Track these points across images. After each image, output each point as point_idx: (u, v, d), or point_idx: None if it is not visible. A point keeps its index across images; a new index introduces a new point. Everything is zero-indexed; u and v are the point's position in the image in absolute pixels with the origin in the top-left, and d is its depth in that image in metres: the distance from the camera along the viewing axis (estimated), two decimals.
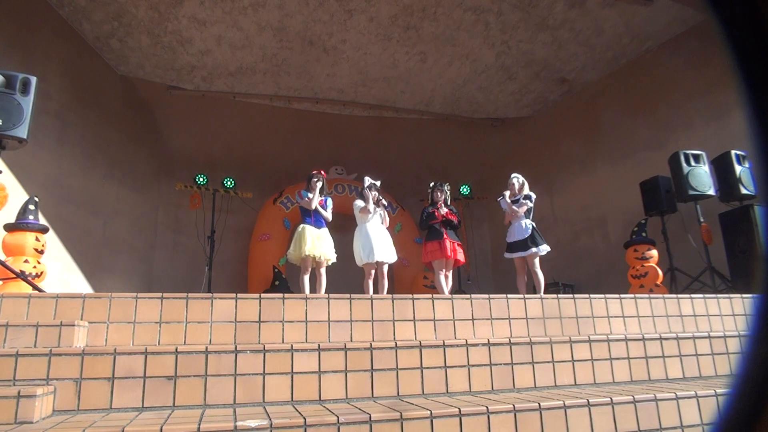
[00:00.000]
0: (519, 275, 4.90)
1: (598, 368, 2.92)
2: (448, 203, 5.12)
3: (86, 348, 2.39)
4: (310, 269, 4.71)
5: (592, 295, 3.49)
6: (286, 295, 3.02)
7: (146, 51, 7.33)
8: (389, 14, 6.79)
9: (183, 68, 7.83)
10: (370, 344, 2.62)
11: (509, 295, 3.35)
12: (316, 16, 6.80)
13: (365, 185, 4.99)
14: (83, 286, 6.21)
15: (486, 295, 3.31)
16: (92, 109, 6.86)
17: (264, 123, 8.89)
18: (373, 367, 2.56)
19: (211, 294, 2.97)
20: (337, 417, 2.00)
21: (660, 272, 5.38)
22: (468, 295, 3.32)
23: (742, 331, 3.49)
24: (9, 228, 4.09)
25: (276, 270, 7.45)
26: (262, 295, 2.97)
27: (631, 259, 5.59)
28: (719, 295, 3.94)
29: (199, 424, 1.85)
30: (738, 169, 5.36)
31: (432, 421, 2.07)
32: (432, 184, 5.19)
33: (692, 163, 5.57)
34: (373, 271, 4.82)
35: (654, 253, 5.50)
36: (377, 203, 4.93)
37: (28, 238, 4.07)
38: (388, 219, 5.01)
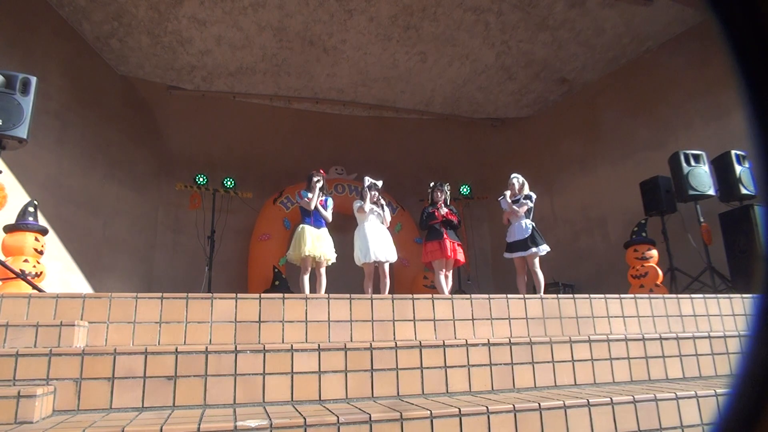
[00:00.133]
0: (519, 275, 4.90)
1: (598, 368, 2.92)
2: (448, 203, 5.12)
3: (86, 348, 2.39)
4: (309, 269, 4.71)
5: (592, 295, 3.49)
6: (286, 295, 3.02)
7: (146, 51, 7.33)
8: (389, 14, 6.79)
9: (183, 68, 7.83)
10: (370, 344, 2.62)
11: (509, 295, 3.35)
12: (316, 16, 6.80)
13: (365, 185, 5.00)
14: (83, 286, 6.21)
15: (486, 295, 3.31)
16: (92, 109, 6.86)
17: (264, 123, 8.89)
18: (373, 367, 2.56)
19: (211, 294, 2.97)
20: (337, 417, 2.00)
21: (660, 272, 5.38)
22: (468, 295, 3.32)
23: (742, 331, 3.49)
24: (8, 229, 4.10)
25: (276, 270, 7.45)
26: (262, 295, 2.97)
27: (631, 259, 5.59)
28: (719, 295, 3.94)
29: (199, 424, 1.85)
30: (738, 169, 5.36)
31: (432, 421, 2.07)
32: (432, 184, 5.19)
33: (692, 163, 5.57)
34: (373, 271, 4.83)
35: (654, 253, 5.50)
36: (376, 203, 4.94)
37: (28, 239, 4.07)
38: (389, 218, 5.01)
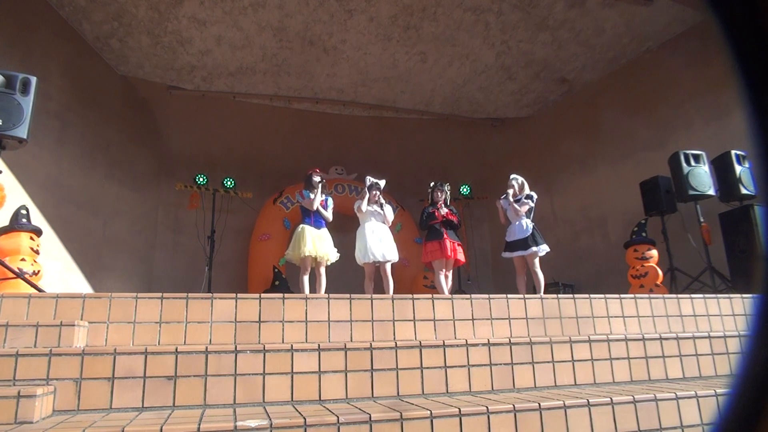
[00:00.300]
0: (519, 275, 4.90)
1: (598, 368, 2.92)
2: (448, 203, 5.12)
3: (86, 348, 2.39)
4: (309, 269, 4.71)
5: (592, 295, 3.49)
6: (286, 295, 3.02)
7: (146, 51, 7.33)
8: (389, 14, 6.79)
9: (183, 68, 7.83)
10: (370, 344, 2.62)
11: (509, 295, 3.35)
12: (316, 16, 6.80)
13: (366, 185, 5.01)
14: (83, 286, 6.20)
15: (486, 295, 3.31)
16: (92, 109, 6.86)
17: (264, 123, 8.89)
18: (373, 367, 2.56)
19: (211, 294, 2.97)
20: (337, 417, 2.00)
21: (660, 272, 5.38)
22: (468, 295, 3.32)
23: (742, 331, 3.49)
24: (3, 231, 4.09)
25: (276, 270, 7.45)
26: (262, 295, 2.97)
27: (631, 259, 5.59)
28: (719, 295, 3.94)
29: (199, 424, 1.85)
30: (738, 169, 5.36)
31: (432, 421, 2.07)
32: (432, 184, 5.19)
33: (692, 163, 5.57)
34: (373, 271, 4.83)
35: (654, 253, 5.50)
36: (376, 202, 4.94)
37: (24, 239, 4.07)
38: (390, 217, 4.99)
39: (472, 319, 3.19)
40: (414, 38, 7.30)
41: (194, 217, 8.05)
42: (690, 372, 3.09)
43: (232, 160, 8.69)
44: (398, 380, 2.58)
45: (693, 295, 3.80)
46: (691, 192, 5.46)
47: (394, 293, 4.64)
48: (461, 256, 4.91)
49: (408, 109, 9.35)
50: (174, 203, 8.28)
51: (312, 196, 4.84)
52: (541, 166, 8.61)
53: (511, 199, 4.99)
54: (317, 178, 4.91)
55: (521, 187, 5.06)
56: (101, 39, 7.00)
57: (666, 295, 3.85)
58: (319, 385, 2.48)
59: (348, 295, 3.06)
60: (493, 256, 9.52)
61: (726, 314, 3.73)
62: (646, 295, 3.68)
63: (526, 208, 4.92)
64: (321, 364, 2.51)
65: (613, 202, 7.47)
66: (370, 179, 5.02)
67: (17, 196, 5.00)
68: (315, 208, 4.82)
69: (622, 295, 3.55)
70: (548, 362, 2.83)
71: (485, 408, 2.17)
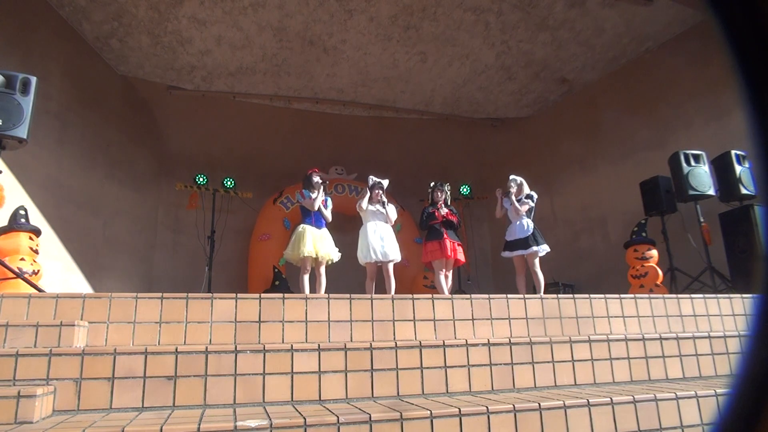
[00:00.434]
0: (518, 275, 4.90)
1: (598, 368, 2.92)
2: (448, 203, 5.12)
3: (86, 348, 2.39)
4: (309, 269, 4.71)
5: (592, 295, 3.49)
6: (286, 295, 3.02)
7: (146, 51, 7.33)
8: (389, 14, 6.79)
9: (183, 68, 7.83)
10: (370, 344, 2.62)
11: (509, 295, 3.35)
12: (316, 16, 6.80)
13: (369, 184, 5.01)
14: (83, 286, 6.20)
15: (486, 295, 3.31)
16: (92, 109, 6.86)
17: (264, 123, 8.89)
18: (373, 367, 2.56)
19: (211, 294, 2.97)
20: (337, 417, 2.00)
21: (660, 272, 5.38)
22: (468, 295, 3.32)
23: (742, 331, 3.49)
24: (2, 231, 4.09)
25: (276, 270, 7.45)
26: (262, 295, 2.97)
27: (631, 259, 5.59)
28: (719, 295, 3.94)
29: (199, 424, 1.85)
30: (738, 169, 5.36)
31: (432, 421, 2.07)
32: (432, 184, 5.18)
33: (692, 163, 5.57)
34: (375, 271, 4.83)
35: (654, 253, 5.50)
36: (378, 202, 4.93)
37: (23, 239, 4.07)
38: (393, 216, 4.98)
39: (472, 319, 3.19)
40: (414, 38, 7.30)
41: (194, 217, 8.06)
42: (690, 372, 3.09)
43: (232, 160, 8.69)
44: (398, 380, 2.58)
45: (693, 295, 3.80)
46: (691, 192, 5.46)
47: (394, 293, 4.64)
48: (461, 256, 4.91)
49: (408, 109, 9.35)
50: (174, 203, 8.28)
51: (312, 195, 4.84)
52: (541, 166, 8.61)
53: (513, 199, 4.99)
54: (317, 178, 4.91)
55: (520, 188, 5.06)
56: (101, 39, 7.00)
57: (666, 295, 3.85)
58: (319, 385, 2.48)
59: (348, 295, 3.06)
60: (493, 256, 9.52)
61: (726, 314, 3.73)
62: (646, 295, 3.68)
63: (526, 207, 4.92)
64: (321, 364, 2.51)
65: (613, 202, 7.47)
66: (372, 179, 5.02)
67: (17, 196, 5.00)
68: (316, 208, 4.82)
69: (622, 295, 3.55)
70: (548, 362, 2.83)
71: (485, 408, 2.17)
